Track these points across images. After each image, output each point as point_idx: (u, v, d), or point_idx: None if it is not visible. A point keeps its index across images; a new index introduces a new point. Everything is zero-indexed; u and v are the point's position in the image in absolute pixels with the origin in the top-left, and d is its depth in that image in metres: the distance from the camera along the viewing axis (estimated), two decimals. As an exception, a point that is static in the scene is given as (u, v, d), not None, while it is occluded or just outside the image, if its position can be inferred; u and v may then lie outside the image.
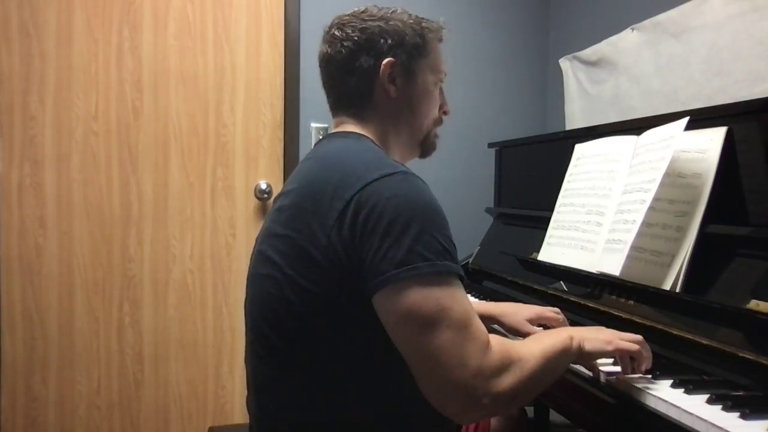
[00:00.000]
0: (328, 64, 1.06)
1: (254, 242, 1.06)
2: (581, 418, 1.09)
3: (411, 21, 1.06)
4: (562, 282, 1.45)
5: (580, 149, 1.54)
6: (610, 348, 0.95)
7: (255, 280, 0.99)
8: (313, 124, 2.32)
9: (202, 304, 2.25)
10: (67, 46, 2.10)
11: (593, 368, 1.00)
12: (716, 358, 0.97)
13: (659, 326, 1.10)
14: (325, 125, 2.28)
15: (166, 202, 2.20)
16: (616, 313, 1.22)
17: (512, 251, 1.73)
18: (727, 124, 1.10)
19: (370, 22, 1.03)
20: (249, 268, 1.04)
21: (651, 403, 0.89)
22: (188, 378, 2.24)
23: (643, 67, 1.98)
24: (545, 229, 1.54)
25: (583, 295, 1.34)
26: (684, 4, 1.80)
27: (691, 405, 0.84)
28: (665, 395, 0.88)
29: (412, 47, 1.04)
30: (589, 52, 2.27)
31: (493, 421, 1.34)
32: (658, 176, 1.14)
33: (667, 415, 0.85)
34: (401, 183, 0.87)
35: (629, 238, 1.17)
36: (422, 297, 0.81)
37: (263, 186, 2.27)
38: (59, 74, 2.09)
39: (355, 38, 1.02)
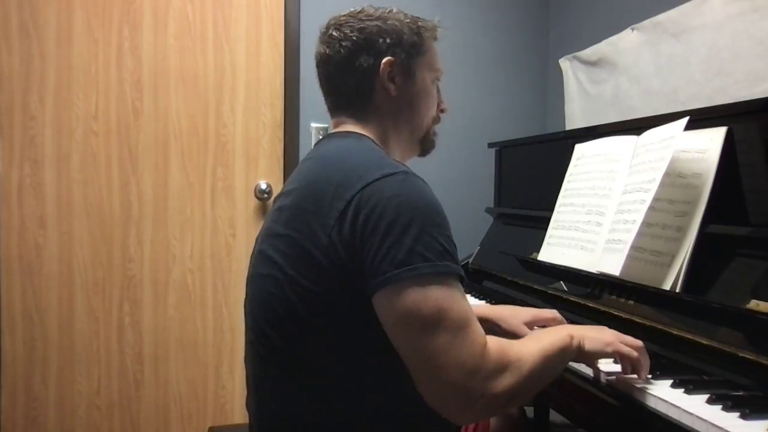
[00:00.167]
0: (326, 65, 1.06)
1: (254, 242, 1.06)
2: (581, 418, 1.09)
3: (408, 20, 1.06)
4: (562, 282, 1.44)
5: (580, 149, 1.54)
6: (609, 350, 0.95)
7: (255, 280, 0.99)
8: (313, 124, 2.32)
9: (202, 304, 2.25)
10: (67, 46, 2.10)
11: (593, 367, 1.00)
12: (716, 358, 0.97)
13: (659, 326, 1.10)
14: (325, 125, 2.28)
15: (166, 202, 2.20)
16: (616, 313, 1.22)
17: (512, 251, 1.72)
18: (727, 124, 1.10)
19: (368, 22, 1.04)
20: (249, 268, 1.04)
21: (651, 403, 0.89)
22: (188, 378, 2.24)
23: (643, 67, 1.98)
24: (545, 229, 1.54)
25: (583, 295, 1.34)
26: (684, 4, 1.80)
27: (691, 405, 0.84)
28: (665, 395, 0.88)
29: (410, 46, 1.05)
30: (589, 52, 2.27)
31: (493, 421, 1.34)
32: (658, 176, 1.14)
33: (667, 415, 0.85)
34: (402, 183, 0.87)
35: (629, 238, 1.17)
36: (422, 297, 0.81)
37: (263, 186, 2.27)
38: (59, 74, 2.09)
39: (354, 38, 1.02)
